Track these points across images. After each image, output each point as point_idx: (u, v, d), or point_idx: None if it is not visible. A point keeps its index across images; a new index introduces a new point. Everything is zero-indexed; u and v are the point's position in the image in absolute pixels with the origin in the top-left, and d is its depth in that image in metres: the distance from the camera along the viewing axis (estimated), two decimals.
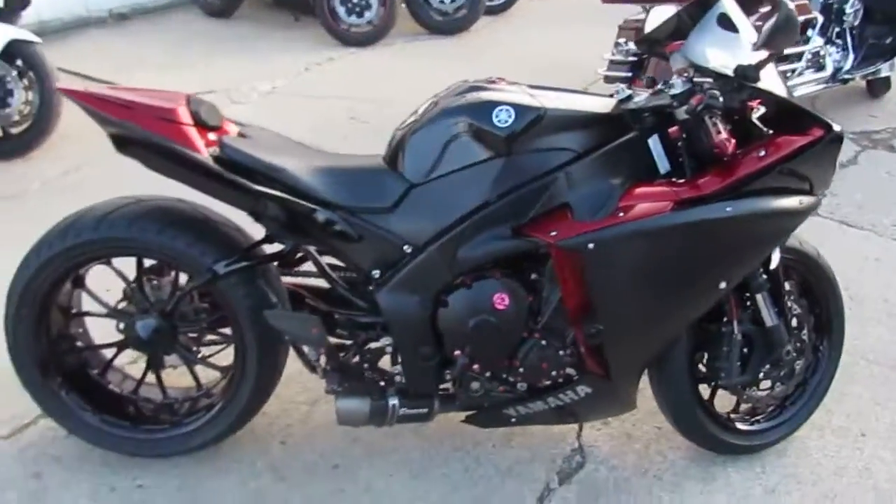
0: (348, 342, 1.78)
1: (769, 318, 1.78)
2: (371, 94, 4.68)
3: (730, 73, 1.53)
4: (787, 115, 1.56)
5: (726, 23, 1.57)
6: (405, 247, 1.63)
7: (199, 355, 1.88)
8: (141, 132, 1.54)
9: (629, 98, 1.72)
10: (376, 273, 1.66)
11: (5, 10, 3.57)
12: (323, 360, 1.73)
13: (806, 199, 1.59)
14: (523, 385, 1.73)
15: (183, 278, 1.79)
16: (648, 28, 1.92)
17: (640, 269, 1.54)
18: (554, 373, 1.69)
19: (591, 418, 1.93)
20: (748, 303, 1.78)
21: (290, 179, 1.60)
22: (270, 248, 1.78)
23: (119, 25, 6.10)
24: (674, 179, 1.61)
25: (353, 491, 1.83)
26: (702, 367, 1.85)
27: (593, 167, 1.59)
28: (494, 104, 1.57)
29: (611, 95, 1.74)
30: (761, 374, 1.84)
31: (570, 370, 1.71)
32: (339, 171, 1.65)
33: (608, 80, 4.07)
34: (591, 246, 1.50)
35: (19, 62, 3.54)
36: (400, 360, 1.71)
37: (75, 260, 1.68)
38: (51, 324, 1.78)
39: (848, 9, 4.25)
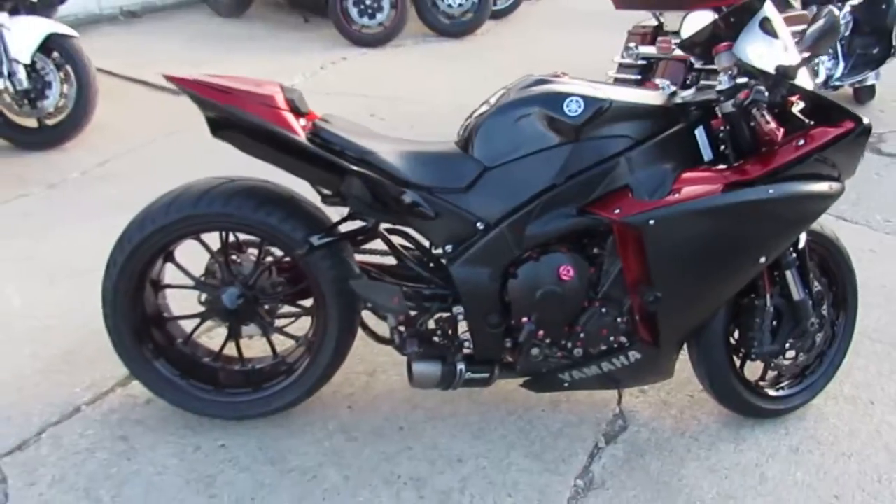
0: (415, 312, 1.94)
1: (797, 292, 1.99)
2: (385, 92, 4.86)
3: (772, 71, 1.74)
4: (821, 109, 1.77)
5: (768, 28, 1.77)
6: (478, 224, 1.80)
7: (275, 325, 2.03)
8: (245, 116, 1.69)
9: (675, 93, 1.93)
10: (449, 248, 1.83)
11: (42, 4, 3.68)
12: (401, 327, 1.90)
13: (835, 185, 1.80)
14: (579, 351, 1.91)
15: (267, 253, 1.94)
16: (686, 33, 2.12)
17: (694, 243, 1.74)
18: (611, 338, 1.88)
19: (633, 384, 2.11)
20: (778, 279, 1.98)
21: (378, 161, 1.77)
22: (351, 226, 1.96)
23: (130, 23, 6.21)
24: (720, 166, 1.81)
25: (421, 448, 2.00)
26: (734, 338, 2.05)
27: (649, 153, 1.78)
28: (566, 95, 1.75)
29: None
30: (788, 345, 2.05)
31: (623, 337, 1.90)
32: (418, 154, 1.82)
33: (618, 82, 4.27)
34: (651, 222, 1.69)
35: (56, 55, 3.65)
36: (469, 327, 1.88)
37: (177, 234, 1.83)
38: (145, 296, 1.93)
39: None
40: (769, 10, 1.78)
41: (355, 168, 1.72)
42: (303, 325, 2.11)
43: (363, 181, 1.78)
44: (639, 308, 1.85)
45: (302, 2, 6.20)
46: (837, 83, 4.60)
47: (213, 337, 2.23)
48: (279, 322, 2.06)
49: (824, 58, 4.49)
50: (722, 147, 1.87)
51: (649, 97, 1.85)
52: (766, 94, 1.72)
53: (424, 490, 1.88)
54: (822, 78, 4.46)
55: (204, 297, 1.97)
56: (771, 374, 2.15)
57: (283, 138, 1.70)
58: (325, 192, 1.92)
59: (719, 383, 2.04)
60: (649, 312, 1.85)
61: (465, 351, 1.93)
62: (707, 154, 1.86)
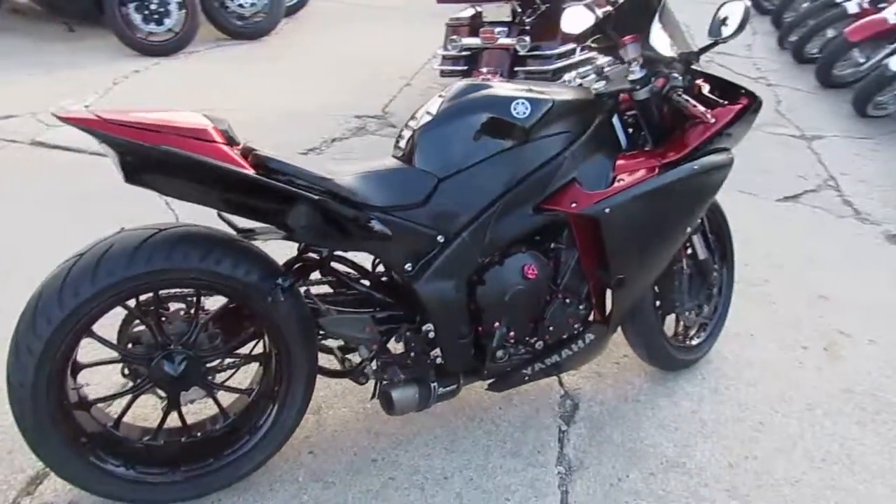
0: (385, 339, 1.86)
1: (702, 252, 2.24)
2: (199, 105, 4.41)
3: (677, 57, 1.91)
4: (721, 88, 1.98)
5: (667, 19, 1.94)
6: (438, 237, 1.76)
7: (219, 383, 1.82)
8: (184, 156, 1.47)
9: (579, 84, 2.04)
10: (409, 266, 1.77)
11: None
12: (371, 356, 1.80)
13: (730, 155, 2.04)
14: (541, 343, 1.97)
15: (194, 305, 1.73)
16: (567, 27, 2.23)
17: (644, 223, 1.87)
18: (576, 325, 1.96)
19: (577, 366, 2.21)
20: (687, 243, 2.21)
21: (333, 186, 1.65)
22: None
23: None
24: (645, 149, 1.96)
25: (403, 476, 1.93)
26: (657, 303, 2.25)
27: (587, 146, 1.87)
28: (512, 98, 1.77)
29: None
30: (699, 299, 2.30)
31: (579, 323, 1.99)
32: (369, 174, 1.73)
33: (444, 74, 4.38)
34: (607, 210, 1.79)
35: None
36: (440, 342, 1.84)
37: (110, 302, 1.55)
38: (66, 382, 1.62)
39: None
40: (665, 2, 1.94)
41: (315, 196, 1.59)
42: (241, 376, 1.92)
43: (314, 209, 1.65)
44: (595, 292, 1.95)
45: (65, 8, 5.43)
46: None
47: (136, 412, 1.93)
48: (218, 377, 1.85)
49: None
50: (630, 131, 2.02)
51: (579, 92, 1.93)
52: (680, 79, 1.89)
53: None
54: None
55: (131, 369, 1.71)
56: (681, 328, 2.39)
57: (233, 175, 1.52)
58: (262, 226, 1.75)
59: (654, 347, 2.23)
60: (602, 294, 1.96)
61: (434, 367, 1.90)
62: (623, 140, 2.00)
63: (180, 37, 5.24)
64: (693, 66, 1.96)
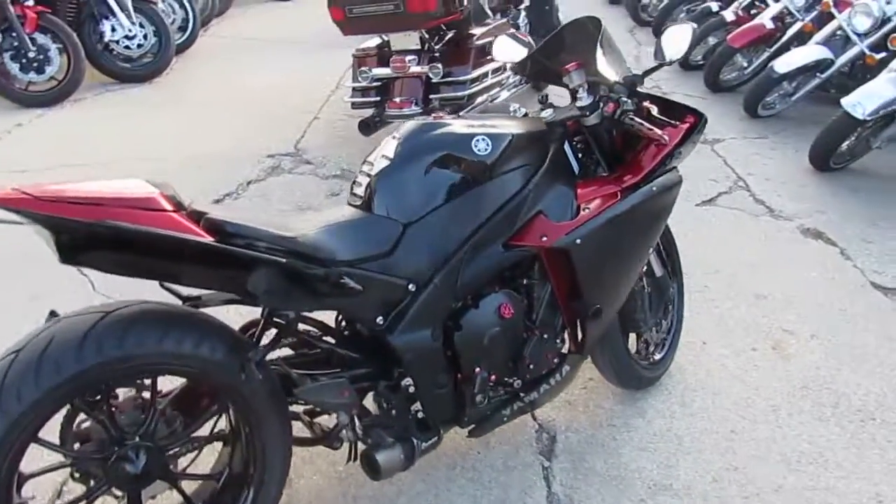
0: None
1: (658, 269, 2.25)
2: (94, 157, 4.19)
3: (622, 81, 1.91)
4: (666, 109, 2.00)
5: (607, 45, 1.94)
6: (409, 286, 1.66)
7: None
8: (132, 229, 1.31)
9: (524, 114, 2.01)
10: (380, 319, 1.67)
11: None
12: (354, 421, 1.68)
13: (678, 173, 2.06)
14: (519, 382, 1.90)
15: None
16: (500, 56, 2.21)
17: (612, 248, 1.84)
18: (555, 359, 1.90)
19: (551, 399, 2.15)
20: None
21: (296, 245, 1.52)
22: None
23: None
24: (602, 174, 1.95)
25: None
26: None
27: (548, 176, 1.83)
28: (471, 136, 1.70)
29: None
30: (659, 315, 2.30)
31: (557, 356, 1.94)
32: (330, 227, 1.61)
33: (356, 106, 4.29)
34: (578, 241, 1.75)
35: None
36: (419, 394, 1.74)
37: (59, 403, 1.35)
38: (13, 500, 1.39)
39: (521, 22, 5.17)
40: (605, 28, 1.94)
41: (282, 259, 1.45)
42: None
43: (277, 272, 1.51)
44: (569, 323, 1.91)
45: None
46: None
47: None
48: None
49: None
50: (580, 157, 2.00)
51: (531, 123, 1.89)
52: (630, 103, 1.89)
53: None
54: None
55: (83, 471, 1.50)
56: (643, 346, 2.39)
57: (189, 245, 1.36)
58: (210, 292, 1.61)
59: (623, 369, 2.21)
60: (575, 324, 1.92)
61: (413, 421, 1.79)
62: (575, 166, 1.98)
63: (64, 84, 4.87)
64: (637, 89, 1.97)
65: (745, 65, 6.03)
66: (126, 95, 5.28)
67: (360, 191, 1.72)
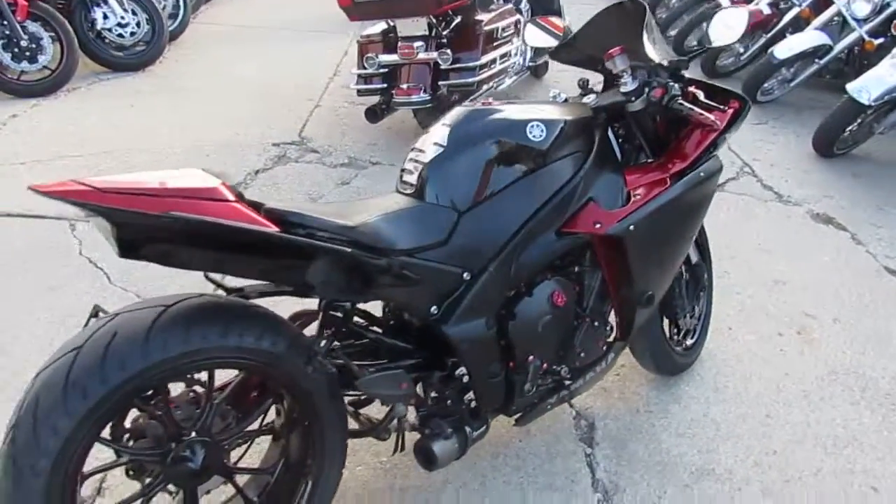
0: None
1: (694, 255, 2.25)
2: (97, 147, 4.09)
3: (667, 65, 1.90)
4: (711, 93, 1.99)
5: (651, 28, 1.92)
6: (464, 274, 1.64)
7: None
8: (197, 220, 1.27)
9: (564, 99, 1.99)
10: (435, 309, 1.64)
11: None
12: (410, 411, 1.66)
13: (719, 159, 2.05)
14: (566, 370, 1.89)
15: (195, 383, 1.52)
16: (534, 42, 2.20)
17: (663, 235, 1.83)
18: (603, 347, 1.89)
19: (589, 388, 2.14)
20: None
21: (358, 235, 1.49)
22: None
23: None
24: (649, 161, 1.93)
25: None
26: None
27: (597, 163, 1.81)
28: (526, 122, 1.68)
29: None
30: (694, 301, 2.31)
31: (605, 344, 1.93)
32: (388, 217, 1.57)
33: (361, 93, 4.23)
34: (631, 228, 1.74)
35: None
36: (473, 383, 1.72)
37: (122, 401, 1.31)
38: (76, 501, 1.35)
39: (523, 7, 5.13)
40: (649, 13, 1.92)
41: (347, 249, 1.42)
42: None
43: (337, 262, 1.48)
44: (618, 309, 1.90)
45: None
46: (531, 63, 5.20)
47: None
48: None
49: (522, 46, 5.01)
50: (621, 142, 1.99)
51: (580, 109, 1.86)
52: (678, 88, 1.87)
53: None
54: (521, 63, 4.98)
55: (138, 468, 1.46)
56: (677, 332, 2.40)
57: (255, 236, 1.33)
58: (254, 283, 1.58)
59: (661, 355, 2.22)
60: (622, 312, 1.91)
61: (466, 410, 1.77)
62: (618, 153, 1.96)
63: (58, 74, 4.75)
64: (685, 73, 1.95)
65: (742, 51, 6.06)
66: (120, 84, 5.16)
67: (411, 179, 1.68)
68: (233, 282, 1.58)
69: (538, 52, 5.39)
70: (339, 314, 1.60)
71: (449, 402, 1.72)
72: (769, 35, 5.81)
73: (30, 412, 1.26)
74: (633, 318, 1.90)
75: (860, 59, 5.28)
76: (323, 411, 1.55)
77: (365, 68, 4.13)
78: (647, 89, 1.88)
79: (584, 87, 2.04)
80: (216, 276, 1.63)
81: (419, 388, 1.74)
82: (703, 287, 2.36)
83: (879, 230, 3.62)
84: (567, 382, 1.91)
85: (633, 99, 1.89)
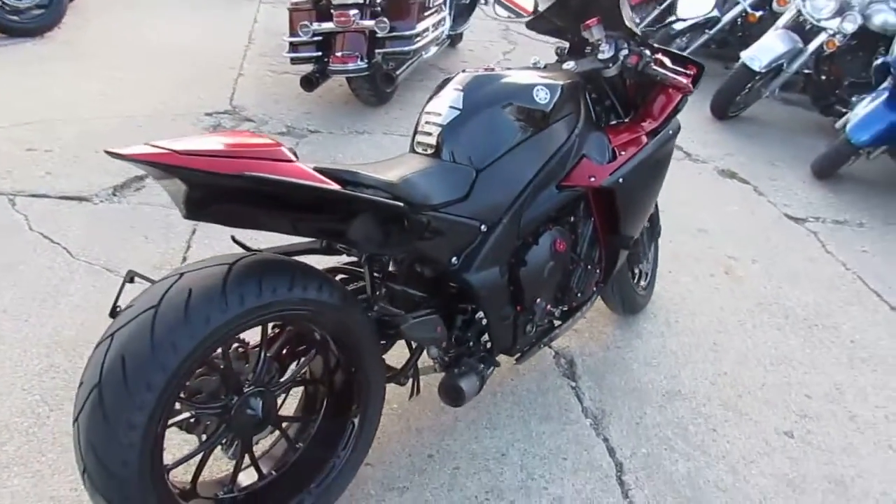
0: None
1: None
2: (14, 118, 3.83)
3: (639, 35, 2.12)
4: (672, 59, 2.23)
5: (624, 5, 2.13)
6: (481, 227, 1.80)
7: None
8: (271, 180, 1.35)
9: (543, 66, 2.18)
10: (454, 260, 1.80)
11: None
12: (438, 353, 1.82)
13: (677, 119, 2.32)
14: (559, 311, 2.10)
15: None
16: (502, 14, 2.36)
17: (644, 185, 2.08)
18: (593, 289, 2.12)
19: (570, 328, 2.38)
20: None
21: (399, 191, 1.61)
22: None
23: None
24: (625, 121, 2.16)
25: (465, 463, 1.97)
26: None
27: (587, 123, 2.01)
28: (532, 86, 1.84)
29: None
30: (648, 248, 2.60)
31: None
32: (417, 174, 1.70)
33: (294, 61, 4.22)
34: (621, 180, 1.96)
35: None
36: (489, 327, 1.90)
37: (204, 354, 1.38)
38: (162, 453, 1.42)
39: None
40: None
41: (400, 204, 1.54)
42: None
43: (377, 218, 1.60)
44: (605, 254, 2.13)
45: None
46: (451, 33, 5.34)
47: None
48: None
49: (448, 19, 5.13)
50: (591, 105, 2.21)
51: (570, 75, 2.05)
52: (650, 54, 2.10)
53: (504, 494, 1.89)
54: (445, 34, 5.11)
55: (198, 423, 1.54)
56: (633, 276, 2.68)
57: (322, 193, 1.42)
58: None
59: (628, 297, 2.50)
60: (608, 257, 2.15)
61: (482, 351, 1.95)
62: (592, 113, 2.18)
63: None
64: (649, 42, 2.19)
65: (638, 21, 6.49)
66: (21, 51, 4.80)
67: (430, 140, 1.81)
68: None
69: (457, 22, 5.56)
70: (377, 268, 1.72)
71: (470, 343, 1.89)
72: (662, 6, 6.26)
73: (117, 370, 1.31)
74: (616, 261, 2.15)
75: (743, 30, 5.83)
76: (368, 357, 1.68)
77: (298, 36, 4.11)
78: (622, 56, 2.10)
79: (561, 54, 2.23)
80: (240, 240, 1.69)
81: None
82: (656, 234, 2.65)
83: (775, 182, 4.11)
84: (558, 323, 2.13)
85: (609, 65, 2.11)
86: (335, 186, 1.44)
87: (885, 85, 4.01)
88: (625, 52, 2.10)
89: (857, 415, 2.32)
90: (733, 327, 2.70)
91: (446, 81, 1.93)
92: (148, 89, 4.40)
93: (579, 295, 2.08)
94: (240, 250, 1.59)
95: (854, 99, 4.73)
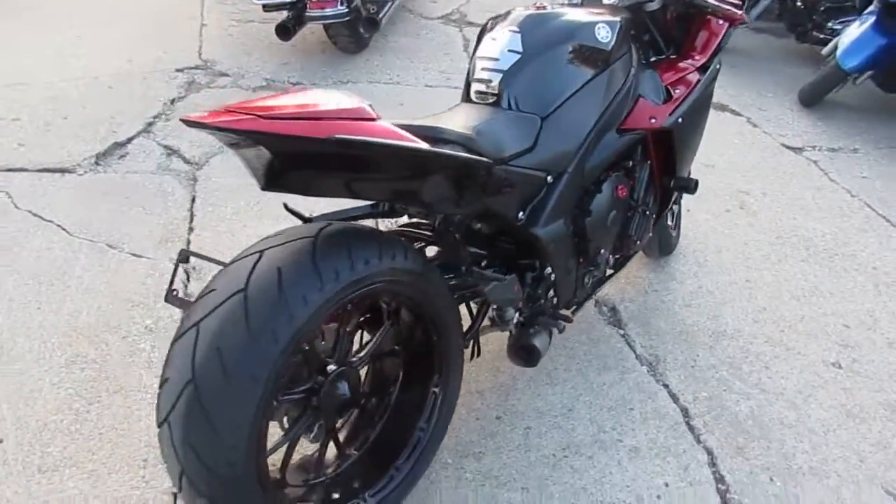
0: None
1: None
2: None
3: None
4: None
5: None
6: (547, 178, 1.70)
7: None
8: (360, 141, 1.22)
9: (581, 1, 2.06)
10: (522, 214, 1.70)
11: None
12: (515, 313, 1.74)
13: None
14: (612, 259, 2.04)
15: None
16: None
17: (697, 124, 2.01)
18: (650, 233, 2.06)
19: None
20: None
21: (476, 146, 1.50)
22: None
23: None
24: (672, 56, 2.07)
25: (534, 422, 1.92)
26: None
27: (640, 62, 1.92)
28: (593, 24, 1.73)
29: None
30: None
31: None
32: (484, 126, 1.58)
33: (268, 8, 3.94)
34: (680, 120, 1.89)
35: None
36: (556, 281, 1.82)
37: (328, 314, 1.27)
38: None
39: None
40: None
41: (486, 161, 1.43)
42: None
43: (451, 176, 1.48)
44: (660, 196, 2.07)
45: None
46: None
47: None
48: None
49: None
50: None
51: (619, 10, 1.93)
52: None
53: (580, 450, 1.85)
54: None
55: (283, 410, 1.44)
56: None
57: (412, 153, 1.29)
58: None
59: (665, 237, 2.46)
60: (662, 200, 2.09)
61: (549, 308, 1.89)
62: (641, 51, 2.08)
63: None
64: None
65: None
66: None
67: (489, 88, 1.69)
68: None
69: None
70: (452, 228, 1.61)
71: (541, 301, 1.81)
72: None
73: (213, 364, 1.18)
74: (669, 202, 2.09)
75: None
76: (449, 323, 1.58)
77: None
78: None
79: None
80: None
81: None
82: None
83: (765, 112, 4.11)
84: (610, 272, 2.07)
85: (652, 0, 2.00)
86: (425, 145, 1.32)
87: (870, 9, 4.00)
88: None
89: (895, 340, 2.36)
90: (760, 262, 2.70)
91: (496, 21, 1.80)
92: (109, 46, 4.06)
93: (637, 242, 2.02)
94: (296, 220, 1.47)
95: (831, 24, 4.75)
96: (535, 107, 1.67)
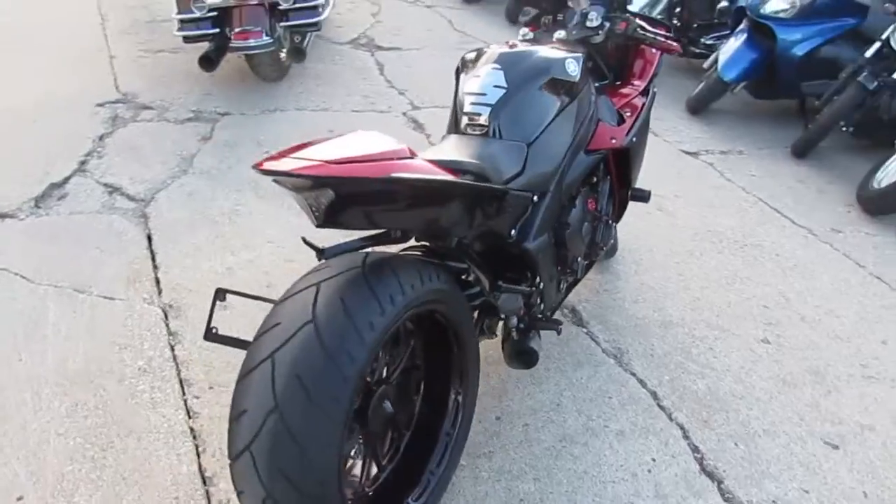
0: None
1: None
2: None
3: (616, 3, 2.30)
4: (648, 22, 2.43)
5: None
6: (533, 197, 1.91)
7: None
8: (412, 180, 1.37)
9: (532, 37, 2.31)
10: (513, 232, 1.90)
11: None
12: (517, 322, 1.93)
13: None
14: (584, 265, 2.28)
15: None
16: None
17: (643, 140, 2.29)
18: (612, 240, 2.32)
19: None
20: None
21: (485, 173, 1.68)
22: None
23: None
24: (617, 84, 2.34)
25: (531, 419, 2.12)
26: None
27: (597, 90, 2.17)
28: (563, 59, 1.95)
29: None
30: None
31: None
32: (484, 155, 1.76)
33: (189, 39, 3.93)
34: (634, 139, 2.16)
35: None
36: (543, 291, 2.03)
37: (374, 358, 1.38)
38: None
39: None
40: None
41: (502, 188, 1.62)
42: None
43: (466, 202, 1.66)
44: (617, 205, 2.33)
45: None
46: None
47: None
48: None
49: None
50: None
51: (575, 45, 2.17)
52: (635, 21, 2.28)
53: (575, 438, 2.07)
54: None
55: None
56: None
57: (452, 187, 1.46)
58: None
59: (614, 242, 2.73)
60: (619, 207, 2.36)
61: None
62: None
63: None
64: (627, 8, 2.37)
65: None
66: None
67: (481, 120, 1.87)
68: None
69: None
70: (469, 249, 1.78)
71: (533, 308, 2.01)
72: None
73: (296, 390, 1.28)
74: (624, 212, 2.36)
75: None
76: (469, 335, 1.75)
77: (191, 12, 3.81)
78: (607, 24, 2.26)
79: (548, 25, 2.35)
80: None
81: None
82: None
83: (662, 122, 4.54)
84: (579, 276, 2.31)
85: (598, 32, 2.27)
86: (458, 178, 1.49)
87: (741, 27, 4.55)
88: (610, 19, 2.27)
89: (805, 315, 2.76)
90: (686, 257, 3.06)
91: (475, 59, 1.98)
92: (21, 78, 3.90)
93: (603, 248, 2.27)
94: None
95: (704, 39, 5.33)
96: (521, 135, 1.87)
